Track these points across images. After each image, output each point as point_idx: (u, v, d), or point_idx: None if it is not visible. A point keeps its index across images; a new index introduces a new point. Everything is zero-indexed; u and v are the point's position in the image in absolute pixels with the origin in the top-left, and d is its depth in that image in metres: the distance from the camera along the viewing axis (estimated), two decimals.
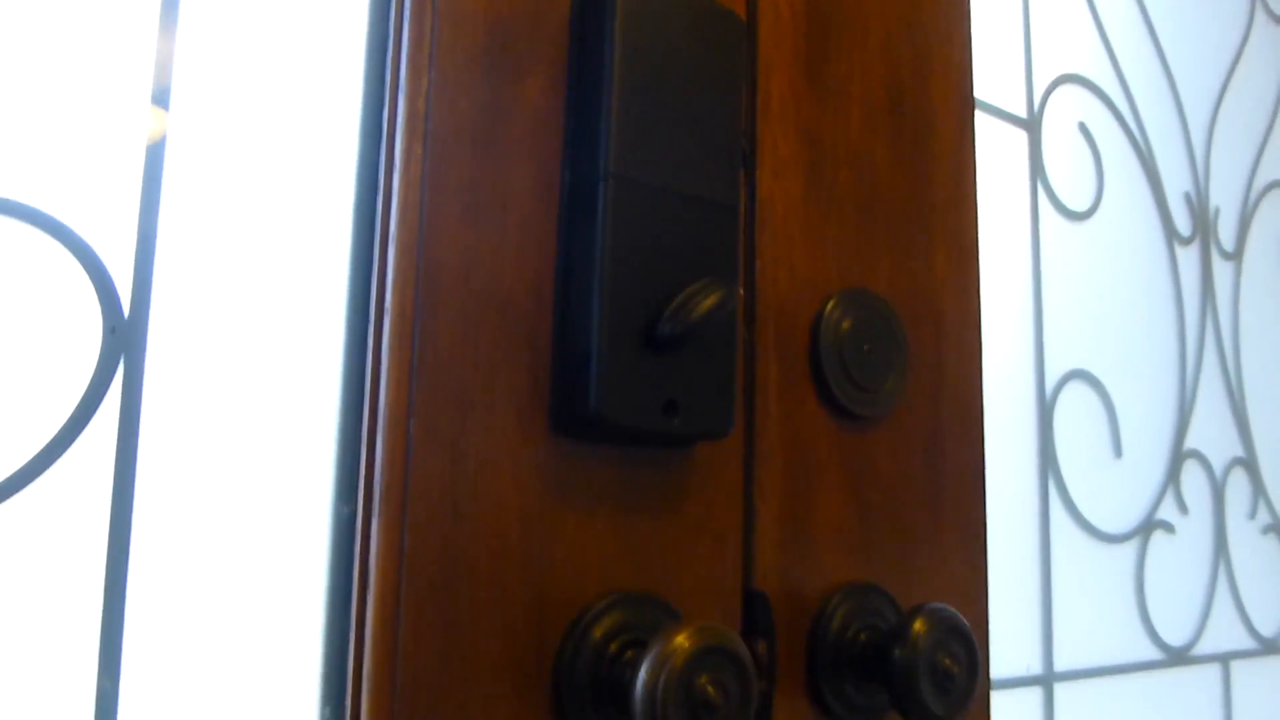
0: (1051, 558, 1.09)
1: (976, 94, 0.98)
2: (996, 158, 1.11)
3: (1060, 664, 1.09)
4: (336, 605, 0.51)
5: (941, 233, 0.76)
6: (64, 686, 0.48)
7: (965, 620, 0.63)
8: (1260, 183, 1.47)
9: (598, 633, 0.54)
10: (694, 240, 0.58)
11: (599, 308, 0.54)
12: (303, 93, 0.56)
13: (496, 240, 0.54)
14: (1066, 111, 1.21)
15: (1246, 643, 1.31)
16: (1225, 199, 1.41)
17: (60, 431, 0.48)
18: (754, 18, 0.67)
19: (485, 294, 0.54)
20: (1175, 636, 1.22)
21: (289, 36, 0.56)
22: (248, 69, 0.55)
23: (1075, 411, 1.15)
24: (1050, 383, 1.12)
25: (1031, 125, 1.16)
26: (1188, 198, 1.34)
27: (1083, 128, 1.22)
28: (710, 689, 0.50)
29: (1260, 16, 1.51)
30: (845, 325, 0.68)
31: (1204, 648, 1.25)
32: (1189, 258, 1.33)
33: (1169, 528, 1.23)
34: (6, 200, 0.48)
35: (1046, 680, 1.07)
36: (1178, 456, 1.26)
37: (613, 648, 0.54)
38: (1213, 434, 1.32)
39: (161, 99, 0.52)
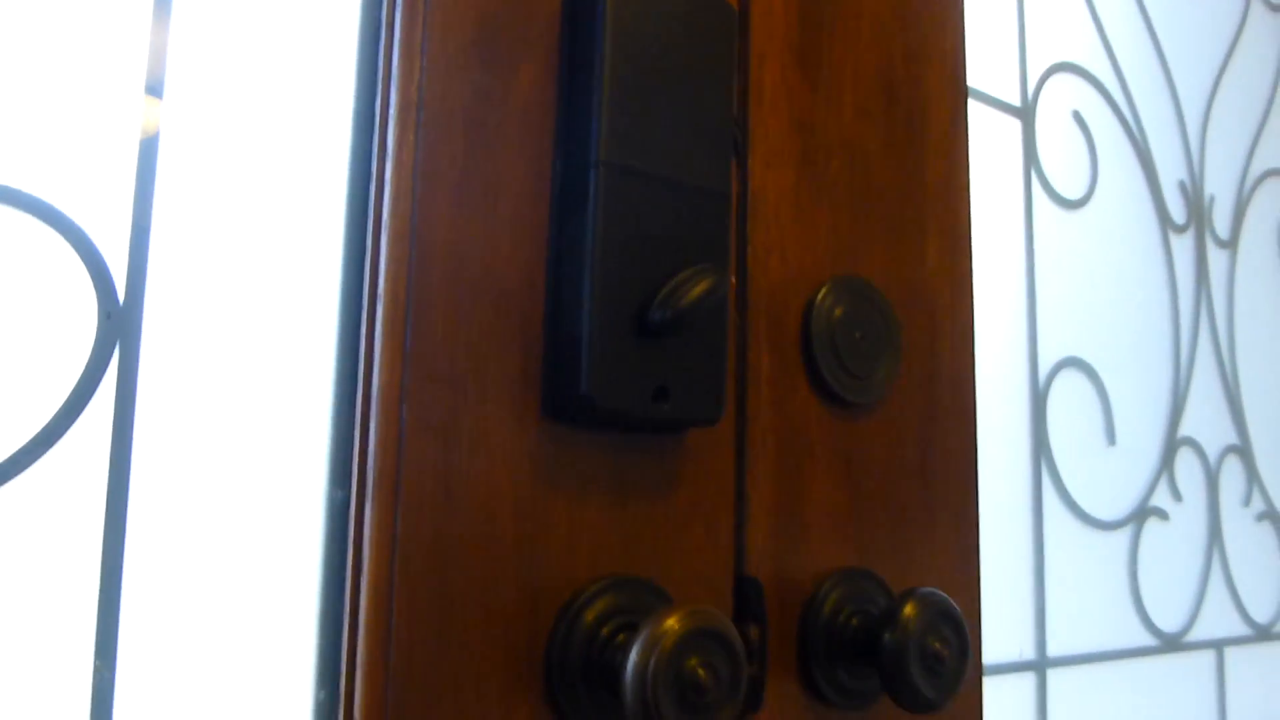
0: (1045, 544, 1.10)
1: (970, 82, 0.98)
2: (990, 146, 1.12)
3: (1054, 650, 1.09)
4: (331, 589, 0.52)
5: (934, 221, 0.76)
6: (61, 671, 0.48)
7: (956, 604, 0.64)
8: (1256, 170, 1.47)
9: (590, 616, 0.54)
10: (685, 227, 0.58)
11: (590, 294, 0.54)
12: (296, 82, 0.56)
13: (488, 227, 0.55)
14: (1061, 100, 1.21)
15: (1240, 629, 1.32)
16: (1220, 187, 1.41)
17: (56, 416, 0.49)
18: (746, 6, 0.67)
19: (477, 281, 0.54)
20: (1169, 623, 1.23)
21: (282, 26, 0.57)
22: (241, 58, 0.55)
23: (1069, 399, 1.15)
24: (1044, 370, 1.13)
25: (1025, 113, 1.16)
26: (1182, 186, 1.34)
27: (1077, 116, 1.22)
28: (700, 671, 0.50)
29: (1256, 4, 1.51)
30: (837, 312, 0.68)
31: (1198, 634, 1.26)
32: (1183, 246, 1.33)
33: (1163, 515, 1.24)
34: (2, 187, 0.49)
35: (1040, 666, 1.08)
36: (1172, 444, 1.27)
37: (605, 631, 0.54)
38: (1207, 421, 1.32)
39: (155, 88, 0.53)
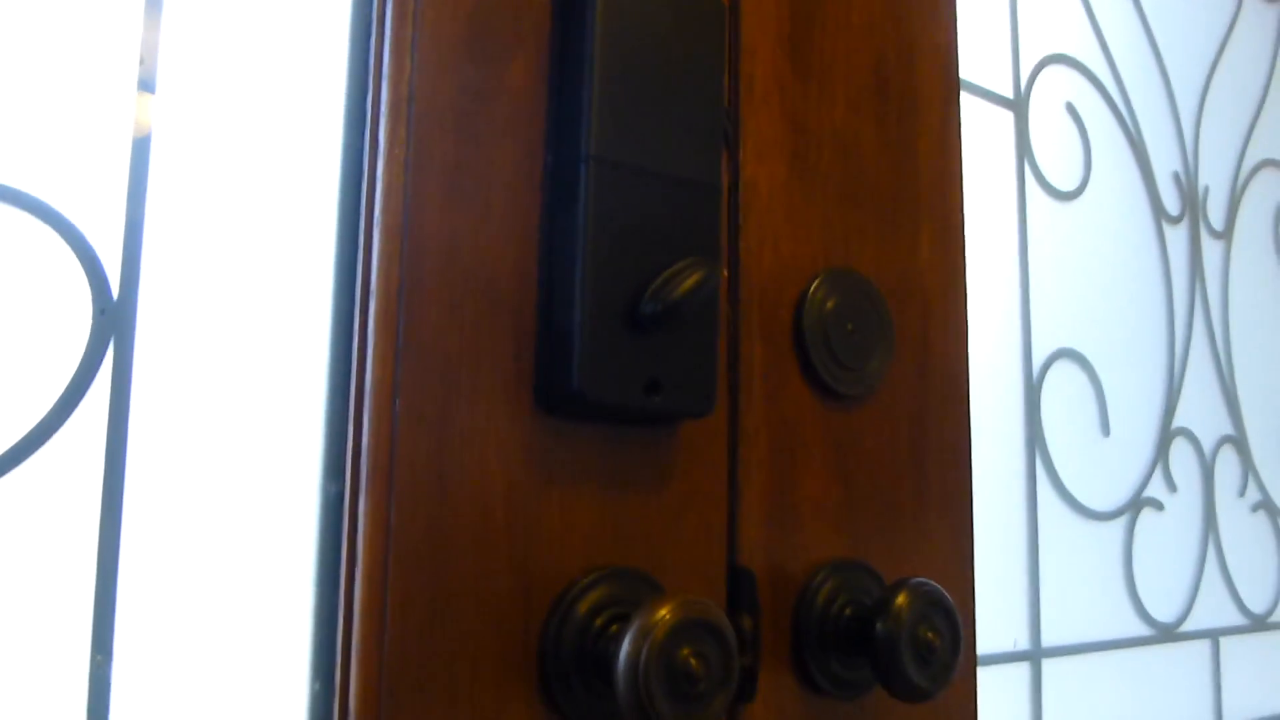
0: (1039, 535, 1.10)
1: (963, 75, 0.99)
2: (983, 138, 1.12)
3: (1049, 640, 1.10)
4: (325, 582, 0.52)
5: (927, 213, 0.76)
6: (58, 662, 0.48)
7: (948, 594, 0.64)
8: (1250, 161, 1.47)
9: (583, 607, 0.55)
10: (677, 221, 0.59)
11: (581, 287, 0.55)
12: (288, 78, 0.57)
13: (480, 221, 0.55)
14: (1054, 92, 1.21)
15: (1236, 619, 1.33)
16: (1214, 178, 1.41)
17: (51, 411, 0.49)
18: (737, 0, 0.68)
19: (469, 274, 0.54)
20: (1164, 613, 1.23)
21: (274, 22, 0.57)
22: (234, 55, 0.55)
23: (1063, 391, 1.16)
24: (1037, 362, 1.13)
25: (1018, 106, 1.17)
26: (1176, 177, 1.35)
27: (1070, 108, 1.23)
28: (692, 661, 0.51)
29: None
30: (829, 305, 0.68)
31: (1193, 624, 1.27)
32: (1178, 237, 1.34)
33: (1158, 505, 1.24)
34: None
35: (1034, 656, 1.08)
36: (1166, 435, 1.27)
37: (598, 622, 0.55)
38: (1202, 412, 1.33)
39: (148, 85, 0.53)
